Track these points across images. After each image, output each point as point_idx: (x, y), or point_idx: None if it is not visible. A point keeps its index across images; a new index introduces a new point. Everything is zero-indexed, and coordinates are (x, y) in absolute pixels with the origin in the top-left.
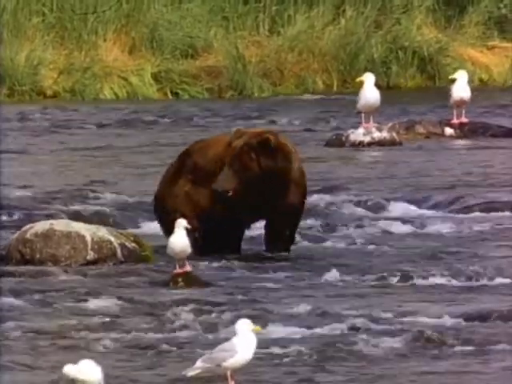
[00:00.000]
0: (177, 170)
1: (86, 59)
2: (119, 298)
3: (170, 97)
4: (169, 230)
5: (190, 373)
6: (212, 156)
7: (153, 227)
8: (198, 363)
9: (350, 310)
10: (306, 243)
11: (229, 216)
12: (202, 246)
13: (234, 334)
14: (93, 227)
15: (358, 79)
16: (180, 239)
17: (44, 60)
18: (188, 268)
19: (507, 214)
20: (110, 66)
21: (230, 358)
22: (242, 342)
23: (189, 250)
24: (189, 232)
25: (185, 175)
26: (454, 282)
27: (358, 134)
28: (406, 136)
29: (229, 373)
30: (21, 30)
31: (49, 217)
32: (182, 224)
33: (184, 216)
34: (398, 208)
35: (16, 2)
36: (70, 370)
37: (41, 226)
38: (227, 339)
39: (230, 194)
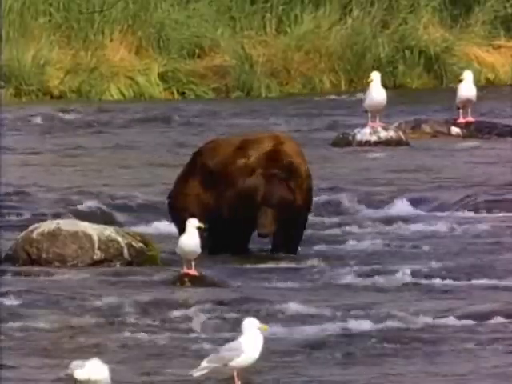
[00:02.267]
0: (189, 170)
1: (93, 59)
2: (126, 298)
3: (177, 96)
4: (181, 229)
5: (197, 372)
6: (220, 158)
7: (160, 227)
8: (205, 363)
9: (356, 310)
10: (312, 243)
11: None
12: (209, 245)
13: (241, 333)
14: (100, 227)
15: (367, 80)
16: (191, 239)
17: (50, 60)
18: (194, 272)
19: None
20: (116, 65)
21: (237, 357)
22: (249, 342)
23: (199, 250)
24: (200, 231)
25: (195, 175)
26: (457, 282)
27: (364, 134)
28: (412, 135)
29: (235, 372)
30: (27, 29)
31: (55, 216)
32: (193, 224)
33: (193, 215)
34: (404, 207)
35: (23, 1)
36: (79, 372)
37: (47, 225)
38: (234, 339)
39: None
